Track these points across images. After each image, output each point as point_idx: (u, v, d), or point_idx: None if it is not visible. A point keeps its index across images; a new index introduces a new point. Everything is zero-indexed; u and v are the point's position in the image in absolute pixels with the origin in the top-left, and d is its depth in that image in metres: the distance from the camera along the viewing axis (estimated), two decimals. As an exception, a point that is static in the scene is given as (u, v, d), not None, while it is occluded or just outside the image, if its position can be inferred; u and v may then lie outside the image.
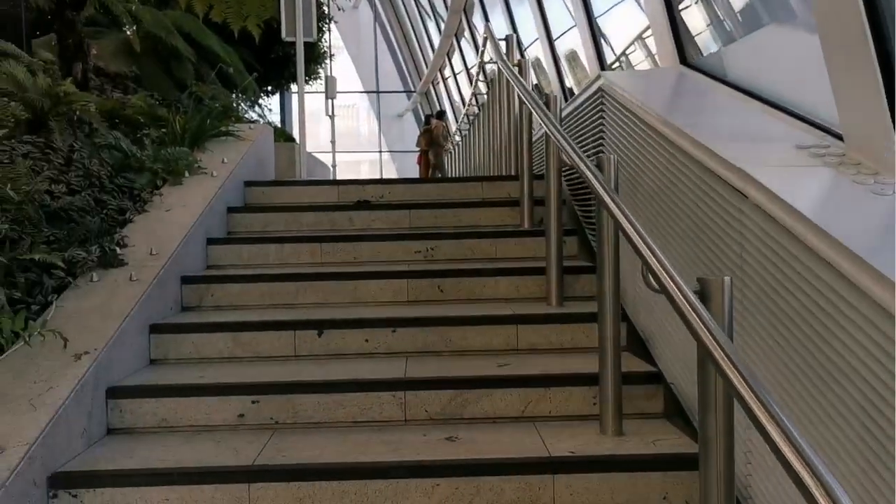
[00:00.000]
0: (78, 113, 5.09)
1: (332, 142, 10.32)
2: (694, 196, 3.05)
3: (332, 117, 10.31)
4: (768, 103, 3.52)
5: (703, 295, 1.97)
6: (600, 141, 4.55)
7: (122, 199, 4.79)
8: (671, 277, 2.01)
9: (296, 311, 4.13)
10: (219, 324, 3.81)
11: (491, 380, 3.35)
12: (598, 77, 4.59)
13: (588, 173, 3.04)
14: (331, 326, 3.78)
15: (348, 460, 2.86)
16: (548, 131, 3.98)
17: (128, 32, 8.30)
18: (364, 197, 5.74)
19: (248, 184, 5.79)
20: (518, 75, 5.06)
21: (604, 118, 4.47)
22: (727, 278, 1.98)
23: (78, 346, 3.20)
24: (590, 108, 4.75)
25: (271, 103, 17.07)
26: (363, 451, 2.95)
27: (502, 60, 5.48)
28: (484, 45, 8.20)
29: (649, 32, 8.09)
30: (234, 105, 9.27)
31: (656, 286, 2.03)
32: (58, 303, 3.55)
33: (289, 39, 6.31)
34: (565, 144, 3.54)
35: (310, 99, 18.02)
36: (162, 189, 5.09)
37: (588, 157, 4.40)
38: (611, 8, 8.59)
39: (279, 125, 15.04)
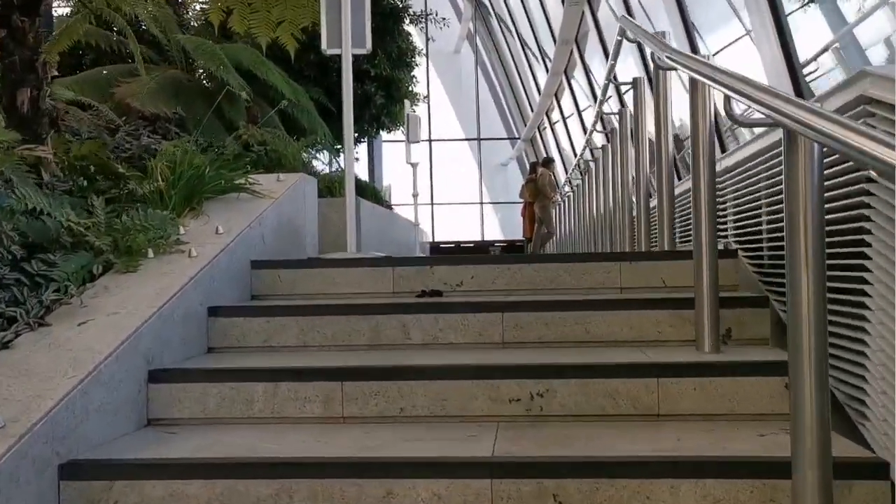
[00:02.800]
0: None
1: (415, 195, 8.35)
2: None
3: (414, 165, 8.35)
4: None
5: None
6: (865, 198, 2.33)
7: (25, 298, 2.86)
8: None
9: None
10: None
11: None
12: (860, 76, 2.37)
13: None
14: None
15: None
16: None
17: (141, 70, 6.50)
18: (432, 284, 3.67)
19: (257, 265, 3.80)
20: (694, 55, 2.86)
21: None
22: None
23: None
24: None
25: (358, 152, 15.45)
26: None
27: (660, 46, 3.25)
28: (611, 71, 6.10)
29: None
30: (295, 150, 7.44)
31: None
32: None
33: (332, 52, 4.37)
34: None
35: (401, 148, 16.30)
36: (101, 279, 3.15)
37: (838, 236, 2.12)
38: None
39: (365, 178, 13.27)
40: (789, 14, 5.28)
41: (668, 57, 3.11)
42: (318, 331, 3.24)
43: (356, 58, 10.18)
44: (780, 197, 3.03)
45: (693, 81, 2.97)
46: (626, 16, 4.32)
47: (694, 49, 8.35)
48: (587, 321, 3.15)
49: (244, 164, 4.47)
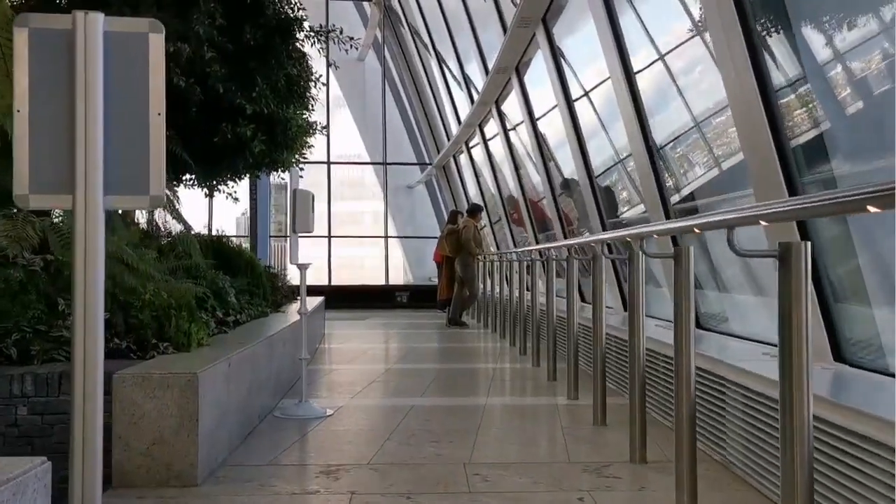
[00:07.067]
0: None
1: (303, 313, 5.49)
2: None
3: (302, 267, 5.49)
4: None
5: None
6: None
7: None
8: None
9: None
10: None
11: None
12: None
13: None
14: None
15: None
16: None
17: None
18: None
19: None
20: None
21: None
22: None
23: None
24: None
25: (237, 189, 12.29)
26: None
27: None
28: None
29: None
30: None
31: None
32: None
33: (38, 206, 1.46)
34: None
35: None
36: None
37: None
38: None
39: (238, 237, 10.18)
40: None
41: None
42: None
43: (225, 89, 7.14)
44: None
45: None
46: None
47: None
48: None
49: None
